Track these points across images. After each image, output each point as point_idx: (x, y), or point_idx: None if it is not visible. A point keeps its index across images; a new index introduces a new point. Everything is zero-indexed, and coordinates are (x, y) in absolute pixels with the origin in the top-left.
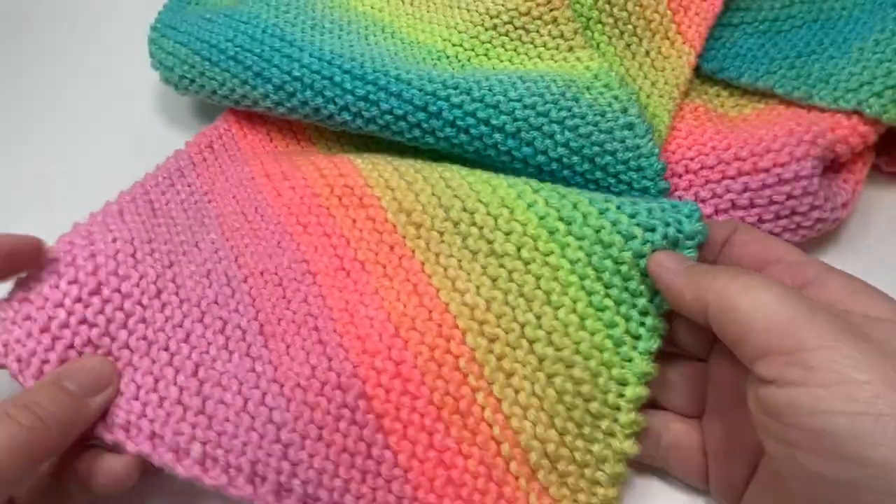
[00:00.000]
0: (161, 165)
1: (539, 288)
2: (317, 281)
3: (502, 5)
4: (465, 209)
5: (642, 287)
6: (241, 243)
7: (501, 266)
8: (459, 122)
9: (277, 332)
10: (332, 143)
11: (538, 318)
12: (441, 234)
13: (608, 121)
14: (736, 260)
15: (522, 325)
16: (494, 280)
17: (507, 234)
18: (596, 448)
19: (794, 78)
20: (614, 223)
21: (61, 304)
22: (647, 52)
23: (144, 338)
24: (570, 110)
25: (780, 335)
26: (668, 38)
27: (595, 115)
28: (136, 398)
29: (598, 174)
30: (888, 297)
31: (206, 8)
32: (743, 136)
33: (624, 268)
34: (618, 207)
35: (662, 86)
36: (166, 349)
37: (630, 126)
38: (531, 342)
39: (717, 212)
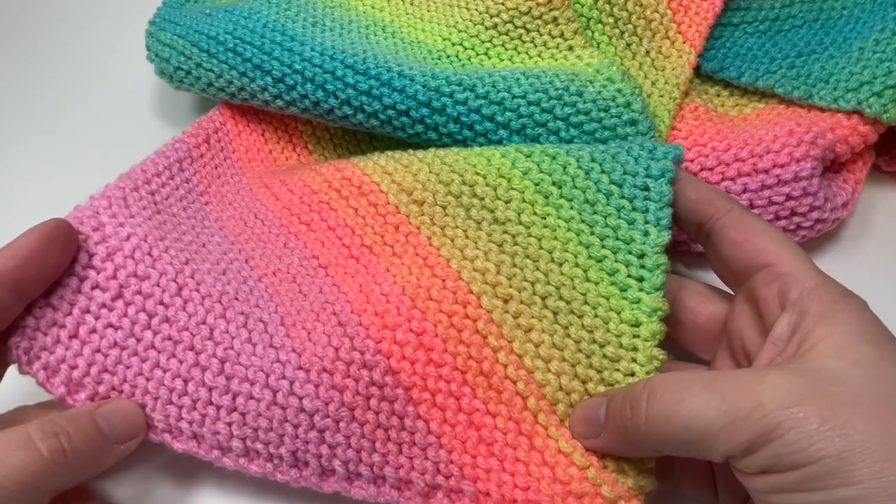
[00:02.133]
0: (159, 151)
1: (542, 248)
2: (328, 273)
3: (502, 4)
4: (464, 182)
5: (632, 233)
6: (248, 247)
7: (505, 232)
8: (464, 119)
9: (298, 321)
10: (324, 139)
11: (546, 275)
12: (444, 207)
13: (612, 116)
14: (725, 260)
15: (533, 283)
16: (500, 245)
17: (507, 202)
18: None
19: (794, 77)
20: (597, 182)
21: (88, 310)
22: (648, 52)
23: (169, 338)
24: (574, 106)
25: (739, 432)
26: (668, 38)
27: (599, 110)
28: (171, 402)
29: None
30: (864, 324)
31: (205, 5)
32: (743, 136)
33: (611, 220)
34: (601, 166)
35: (663, 85)
36: (192, 349)
37: (633, 122)
38: (543, 298)
39: None
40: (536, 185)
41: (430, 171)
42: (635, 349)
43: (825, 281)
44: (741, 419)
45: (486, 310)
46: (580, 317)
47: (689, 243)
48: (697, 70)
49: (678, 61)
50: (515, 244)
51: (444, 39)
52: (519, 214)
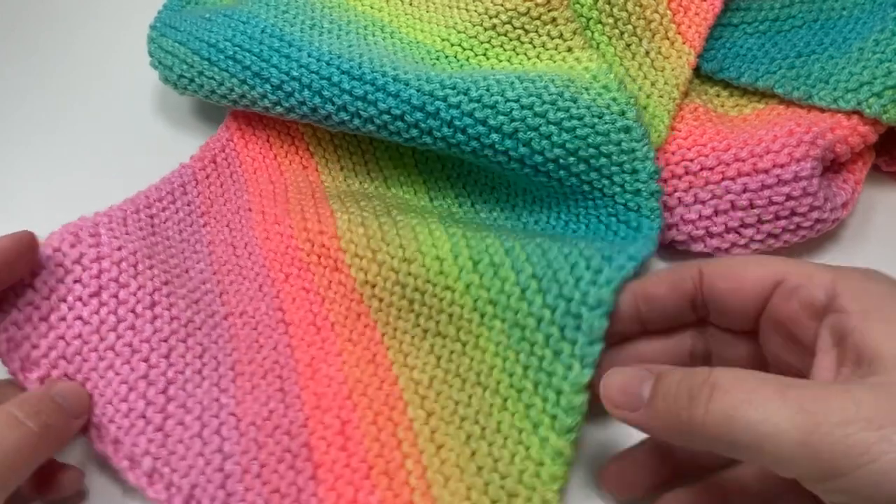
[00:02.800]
0: (165, 178)
1: (472, 369)
2: (289, 331)
3: (501, 5)
4: (416, 289)
5: (555, 365)
6: (227, 279)
7: (444, 347)
8: (457, 122)
9: (247, 371)
10: (328, 148)
11: (469, 397)
12: (399, 310)
13: (605, 123)
14: (737, 310)
15: (456, 403)
16: (439, 359)
17: (450, 316)
18: None
19: (794, 78)
20: (530, 304)
21: (64, 300)
22: (647, 53)
23: (130, 345)
24: (567, 111)
25: (821, 453)
26: (668, 39)
27: (592, 116)
28: (110, 402)
29: (593, 175)
30: None
31: (206, 7)
32: (743, 136)
33: (537, 348)
34: (539, 283)
35: (662, 86)
36: (146, 361)
37: (627, 129)
38: (462, 419)
39: (716, 212)
40: (475, 301)
41: (392, 268)
42: (533, 489)
43: (840, 271)
44: (823, 436)
45: (409, 417)
46: (490, 444)
47: (689, 243)
48: (697, 70)
49: (678, 62)
50: (450, 360)
51: (443, 40)
52: (458, 331)
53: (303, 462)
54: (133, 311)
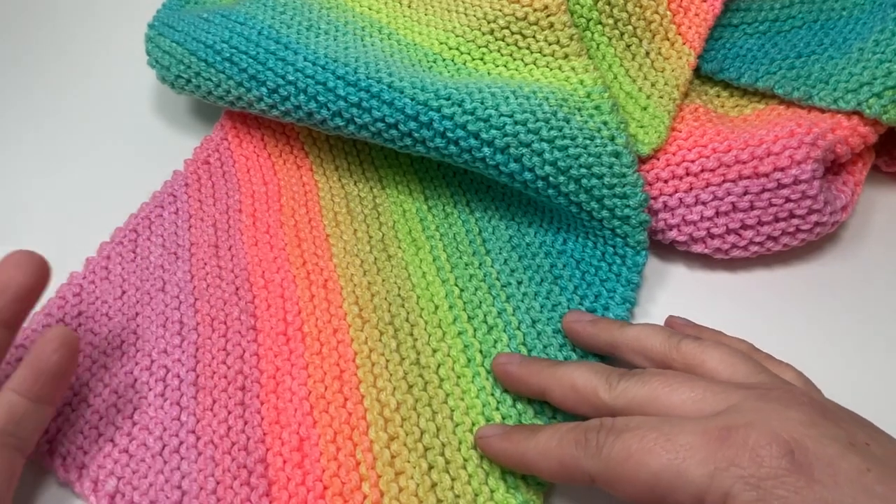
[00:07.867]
0: (156, 191)
1: (446, 403)
2: (257, 339)
3: (500, 10)
4: (407, 320)
5: (535, 421)
6: (202, 285)
7: (420, 376)
8: (449, 134)
9: (209, 385)
10: (323, 148)
11: (437, 429)
12: (381, 333)
13: (597, 146)
14: None
15: (422, 432)
16: (410, 387)
17: (434, 351)
18: None
19: (794, 78)
20: None
21: None
22: (648, 53)
23: (102, 380)
24: (560, 130)
25: None
26: (668, 39)
27: (585, 138)
28: (81, 432)
29: (583, 196)
30: None
31: (205, 7)
32: (743, 136)
33: (519, 403)
34: (528, 352)
35: (662, 86)
36: (116, 392)
37: (617, 154)
38: (426, 448)
39: (718, 214)
40: (465, 346)
41: (386, 298)
42: None
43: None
44: None
45: (370, 438)
46: (453, 479)
47: (690, 244)
48: (697, 71)
49: (678, 62)
50: (424, 390)
51: (441, 43)
52: (439, 366)
53: (257, 479)
54: (105, 352)
